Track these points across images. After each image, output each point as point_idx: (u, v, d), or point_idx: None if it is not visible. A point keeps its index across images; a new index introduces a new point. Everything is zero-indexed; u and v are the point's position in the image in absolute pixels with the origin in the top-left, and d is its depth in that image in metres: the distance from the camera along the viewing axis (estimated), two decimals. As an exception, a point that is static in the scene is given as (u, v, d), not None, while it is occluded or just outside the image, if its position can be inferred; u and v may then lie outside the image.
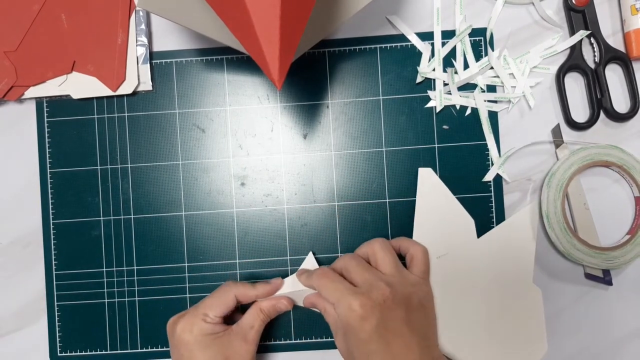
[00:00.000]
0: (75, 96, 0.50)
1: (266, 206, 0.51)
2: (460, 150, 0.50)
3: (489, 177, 0.50)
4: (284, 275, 0.49)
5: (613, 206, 0.50)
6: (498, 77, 0.50)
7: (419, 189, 0.48)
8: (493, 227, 0.49)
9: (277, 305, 0.46)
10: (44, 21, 0.50)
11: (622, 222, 0.50)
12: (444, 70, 0.50)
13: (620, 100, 0.50)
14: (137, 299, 0.50)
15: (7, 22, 0.50)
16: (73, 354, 0.50)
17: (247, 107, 0.51)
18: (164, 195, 0.51)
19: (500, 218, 0.50)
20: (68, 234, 0.51)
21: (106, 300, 0.50)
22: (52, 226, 0.51)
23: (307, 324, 0.50)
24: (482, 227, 0.49)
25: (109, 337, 0.50)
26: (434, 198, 0.48)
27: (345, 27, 0.51)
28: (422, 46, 0.50)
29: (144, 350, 0.50)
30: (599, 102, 0.50)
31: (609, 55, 0.49)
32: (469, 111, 0.50)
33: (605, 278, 0.48)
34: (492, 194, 0.50)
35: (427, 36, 0.50)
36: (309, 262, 0.49)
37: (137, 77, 0.50)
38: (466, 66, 0.50)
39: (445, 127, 0.50)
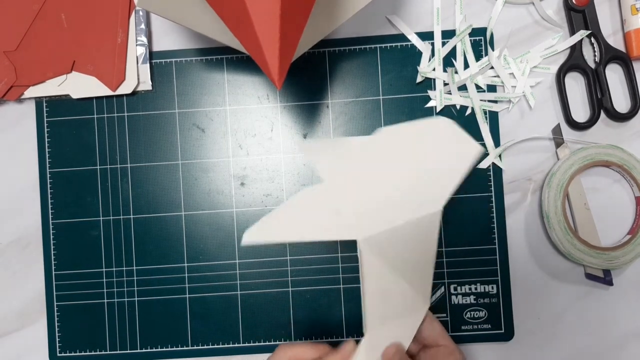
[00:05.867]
0: (74, 96, 0.50)
1: (266, 206, 0.50)
2: (461, 150, 0.50)
3: (484, 164, 0.49)
4: (285, 273, 0.49)
5: (614, 206, 0.50)
6: (498, 76, 0.50)
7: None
8: (493, 227, 0.49)
9: None
10: (43, 21, 0.50)
11: (622, 222, 0.50)
12: (444, 70, 0.50)
13: (620, 100, 0.50)
14: (136, 299, 0.50)
15: (6, 21, 0.50)
16: (72, 354, 0.50)
17: (247, 106, 0.51)
18: (164, 195, 0.51)
19: (501, 218, 0.49)
20: (67, 234, 0.51)
21: (105, 301, 0.50)
22: (51, 226, 0.51)
23: (308, 325, 0.50)
24: (482, 227, 0.49)
25: (109, 337, 0.50)
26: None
27: (345, 27, 0.51)
28: (422, 46, 0.50)
29: (143, 350, 0.50)
30: (600, 102, 0.49)
31: (610, 55, 0.49)
32: (469, 111, 0.50)
33: (605, 278, 0.48)
34: (493, 194, 0.50)
35: (427, 36, 0.50)
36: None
37: (136, 77, 0.50)
38: (466, 66, 0.50)
39: (445, 127, 0.50)
